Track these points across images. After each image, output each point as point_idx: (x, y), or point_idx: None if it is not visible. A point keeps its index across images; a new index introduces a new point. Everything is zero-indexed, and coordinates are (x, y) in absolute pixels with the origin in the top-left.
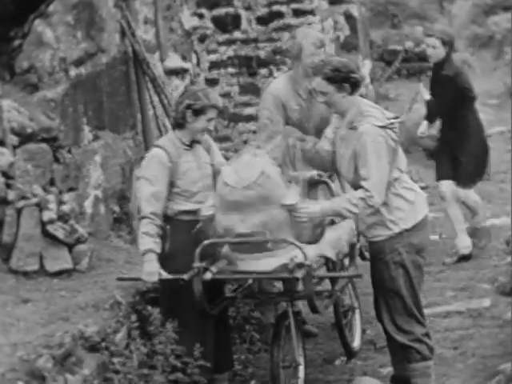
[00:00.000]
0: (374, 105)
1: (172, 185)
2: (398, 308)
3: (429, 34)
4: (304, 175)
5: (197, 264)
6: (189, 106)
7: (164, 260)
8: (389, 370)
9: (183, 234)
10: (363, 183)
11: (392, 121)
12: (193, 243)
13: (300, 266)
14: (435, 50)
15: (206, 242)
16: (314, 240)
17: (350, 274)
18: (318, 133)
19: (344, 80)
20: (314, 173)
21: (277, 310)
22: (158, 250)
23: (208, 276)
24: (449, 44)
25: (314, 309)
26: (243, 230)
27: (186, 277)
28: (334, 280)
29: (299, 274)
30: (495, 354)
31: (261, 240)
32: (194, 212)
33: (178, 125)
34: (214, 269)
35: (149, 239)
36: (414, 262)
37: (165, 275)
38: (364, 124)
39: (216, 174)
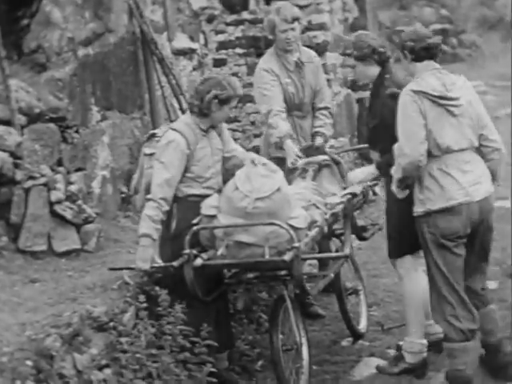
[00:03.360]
0: (440, 73)
1: (186, 170)
2: (430, 285)
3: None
4: (316, 160)
5: (187, 251)
6: (215, 97)
7: (170, 239)
8: None
9: (190, 214)
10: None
11: (448, 95)
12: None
13: (289, 248)
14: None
15: (195, 228)
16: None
17: (337, 254)
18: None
19: (402, 47)
20: (323, 157)
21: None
22: (156, 237)
23: (198, 262)
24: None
25: (303, 291)
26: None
27: (175, 264)
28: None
29: (287, 256)
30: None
31: (252, 225)
32: (204, 196)
33: (202, 114)
34: (204, 255)
35: (150, 224)
36: (436, 243)
37: (158, 263)
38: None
39: (225, 161)
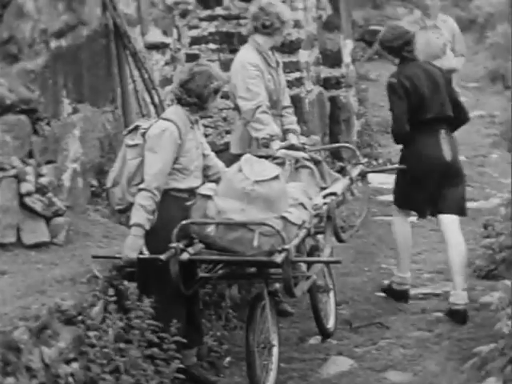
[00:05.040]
0: None
1: (174, 161)
2: None
3: None
4: (294, 155)
5: (174, 244)
6: (214, 89)
7: (151, 233)
8: (364, 349)
9: (173, 210)
10: None
11: None
12: (182, 220)
13: (280, 250)
14: None
15: (183, 222)
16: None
17: (328, 259)
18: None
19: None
20: (303, 154)
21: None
22: (148, 228)
23: (185, 257)
24: None
25: (289, 293)
26: (241, 219)
27: (163, 257)
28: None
29: (279, 258)
30: (471, 337)
31: (240, 223)
32: (187, 190)
33: (201, 108)
34: (191, 250)
35: (144, 214)
36: None
37: (145, 254)
38: None
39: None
